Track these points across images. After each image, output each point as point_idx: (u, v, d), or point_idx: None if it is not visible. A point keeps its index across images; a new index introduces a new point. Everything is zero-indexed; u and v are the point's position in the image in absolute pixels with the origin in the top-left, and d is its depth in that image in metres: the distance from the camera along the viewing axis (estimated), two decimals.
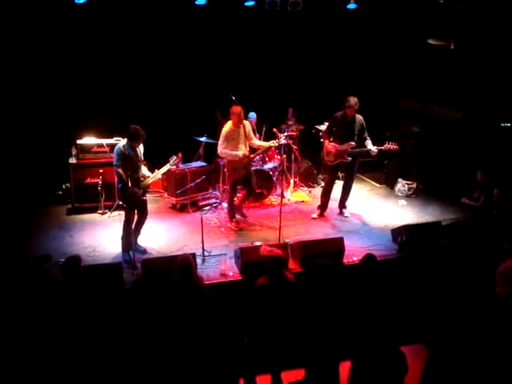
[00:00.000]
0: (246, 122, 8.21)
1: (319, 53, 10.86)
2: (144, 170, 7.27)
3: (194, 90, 10.15)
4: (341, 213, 8.81)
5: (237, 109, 8.01)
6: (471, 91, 9.50)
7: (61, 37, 9.08)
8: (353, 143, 8.19)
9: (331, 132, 8.46)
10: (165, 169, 7.32)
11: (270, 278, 5.29)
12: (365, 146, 8.27)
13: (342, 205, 8.83)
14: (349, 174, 8.69)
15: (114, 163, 6.95)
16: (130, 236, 6.99)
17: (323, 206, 8.71)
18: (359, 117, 8.28)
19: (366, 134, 8.32)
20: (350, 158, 8.30)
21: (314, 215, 8.70)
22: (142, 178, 7.11)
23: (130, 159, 6.94)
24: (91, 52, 9.41)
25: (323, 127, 10.41)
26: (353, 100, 8.07)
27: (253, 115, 9.28)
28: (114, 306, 5.58)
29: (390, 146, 8.22)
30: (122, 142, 7.05)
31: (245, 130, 8.13)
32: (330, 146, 8.38)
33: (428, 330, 5.35)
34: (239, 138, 8.11)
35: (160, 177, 7.72)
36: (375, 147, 8.23)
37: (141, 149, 7.12)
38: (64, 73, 9.30)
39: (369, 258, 5.53)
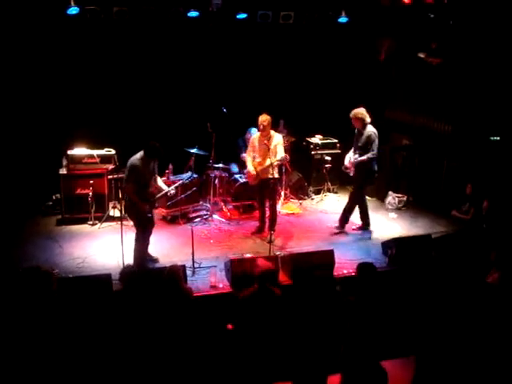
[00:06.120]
0: (274, 134, 8.03)
1: (311, 65, 10.92)
2: (159, 181, 7.23)
3: (186, 101, 10.17)
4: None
5: (259, 117, 7.93)
6: (461, 105, 9.57)
7: (53, 48, 9.11)
8: (352, 154, 8.30)
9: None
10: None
11: (257, 290, 5.29)
12: None
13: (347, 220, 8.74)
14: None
15: (125, 179, 6.87)
16: (141, 252, 7.04)
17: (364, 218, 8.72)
18: (369, 131, 8.15)
19: (371, 147, 8.13)
20: (353, 169, 8.36)
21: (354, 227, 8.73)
22: (153, 192, 7.08)
23: (143, 174, 6.80)
24: (83, 63, 9.42)
25: (314, 139, 10.48)
26: (352, 111, 8.18)
27: (254, 130, 8.88)
28: (102, 316, 5.54)
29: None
30: (137, 157, 6.82)
31: (270, 142, 7.89)
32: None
33: (418, 343, 5.34)
34: (260, 148, 8.01)
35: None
36: (355, 156, 8.27)
37: (155, 165, 7.04)
38: (55, 84, 9.30)
39: (366, 267, 5.47)
